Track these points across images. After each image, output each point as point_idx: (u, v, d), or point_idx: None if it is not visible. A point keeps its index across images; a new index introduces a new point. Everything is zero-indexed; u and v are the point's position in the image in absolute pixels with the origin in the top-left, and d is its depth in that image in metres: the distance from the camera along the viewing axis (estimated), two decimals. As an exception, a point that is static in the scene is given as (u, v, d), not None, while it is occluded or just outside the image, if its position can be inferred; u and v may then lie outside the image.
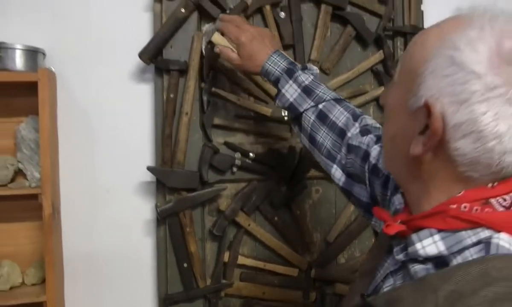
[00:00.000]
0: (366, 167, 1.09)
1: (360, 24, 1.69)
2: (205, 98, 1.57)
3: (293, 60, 1.31)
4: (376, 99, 1.73)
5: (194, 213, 1.57)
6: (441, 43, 0.68)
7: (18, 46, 1.41)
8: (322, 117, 1.22)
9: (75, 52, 1.55)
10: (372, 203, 1.09)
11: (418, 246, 0.72)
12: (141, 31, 1.58)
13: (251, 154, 1.59)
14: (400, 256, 0.76)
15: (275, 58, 1.29)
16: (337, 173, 1.20)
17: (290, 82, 1.26)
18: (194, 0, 1.52)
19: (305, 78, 1.25)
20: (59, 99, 1.55)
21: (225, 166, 1.58)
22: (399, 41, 1.74)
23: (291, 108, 1.27)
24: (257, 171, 1.61)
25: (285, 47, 1.63)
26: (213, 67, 1.57)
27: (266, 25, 1.62)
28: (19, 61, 1.41)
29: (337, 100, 1.24)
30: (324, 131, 1.21)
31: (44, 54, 1.49)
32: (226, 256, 1.60)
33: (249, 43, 1.31)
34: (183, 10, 1.52)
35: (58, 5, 1.53)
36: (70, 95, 1.55)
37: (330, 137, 1.20)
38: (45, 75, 1.39)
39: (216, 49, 1.40)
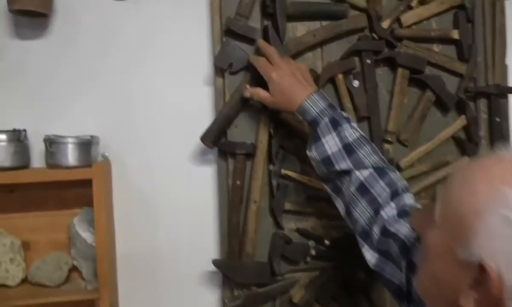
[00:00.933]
0: (404, 263, 1.01)
1: (441, 87, 1.48)
2: (274, 182, 1.37)
3: (332, 102, 1.20)
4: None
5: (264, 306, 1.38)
6: (493, 197, 0.66)
7: (70, 140, 1.23)
8: (363, 190, 1.13)
9: (131, 135, 1.37)
10: (404, 290, 1.02)
11: None
12: (201, 108, 1.39)
13: (326, 241, 1.39)
14: None
15: (315, 98, 1.19)
16: (367, 254, 1.12)
17: (334, 134, 1.16)
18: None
19: (350, 134, 1.16)
20: (116, 186, 1.37)
21: (298, 257, 1.38)
22: (482, 103, 1.52)
23: (326, 161, 1.17)
24: (332, 257, 1.42)
25: (359, 119, 1.43)
26: (282, 147, 1.38)
27: (338, 96, 1.42)
28: (71, 155, 1.24)
29: (380, 171, 1.14)
30: (362, 206, 1.12)
31: (98, 141, 1.31)
32: (301, 353, 1.41)
33: (280, 80, 1.22)
34: (248, 86, 1.33)
35: (115, 86, 1.36)
36: (127, 180, 1.37)
37: (367, 212, 1.11)
38: (100, 171, 1.21)
39: (246, 93, 1.28)
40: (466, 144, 1.50)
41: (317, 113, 1.17)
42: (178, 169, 1.39)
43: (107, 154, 1.34)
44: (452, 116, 1.52)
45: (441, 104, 1.50)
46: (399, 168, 1.46)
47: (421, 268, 0.81)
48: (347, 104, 1.41)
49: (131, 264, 1.38)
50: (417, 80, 1.48)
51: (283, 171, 1.38)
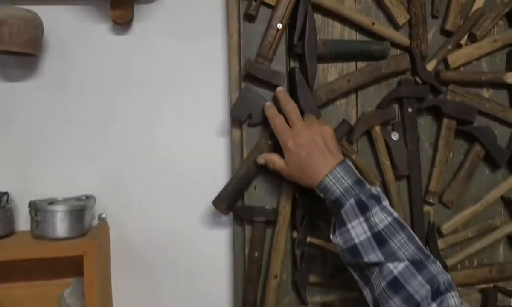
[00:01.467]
0: None
1: (491, 141, 1.26)
2: (298, 252, 1.16)
3: (360, 177, 0.98)
4: (509, 236, 1.30)
5: None
6: None
7: (59, 208, 1.02)
8: (396, 286, 0.91)
9: (133, 193, 1.16)
10: None
11: None
12: (215, 162, 1.18)
13: (356, 318, 1.19)
14: None
15: (339, 173, 0.97)
16: None
17: (361, 219, 0.94)
18: (284, 125, 1.11)
19: (381, 219, 0.93)
20: (113, 250, 1.16)
21: (322, 338, 1.18)
22: (539, 159, 1.30)
23: (352, 250, 0.95)
24: (362, 336, 1.21)
25: (398, 178, 1.21)
26: (308, 212, 1.16)
27: (374, 151, 1.20)
28: (60, 226, 1.02)
29: (417, 264, 0.92)
30: (394, 304, 0.90)
31: (93, 202, 1.10)
32: None
33: (297, 150, 1.00)
34: (270, 142, 1.11)
35: (114, 136, 1.15)
36: (127, 245, 1.16)
37: None
38: (93, 247, 1.00)
39: (260, 160, 1.08)
40: (517, 206, 1.29)
41: (341, 192, 0.96)
42: (186, 233, 1.18)
43: (104, 215, 1.13)
44: (502, 173, 1.31)
45: (490, 160, 1.28)
46: (440, 233, 1.25)
47: None
48: (385, 161, 1.19)
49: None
50: (464, 132, 1.26)
51: (309, 239, 1.17)
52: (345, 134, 1.18)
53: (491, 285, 1.27)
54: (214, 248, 1.19)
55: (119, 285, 1.16)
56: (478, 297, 1.26)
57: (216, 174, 1.17)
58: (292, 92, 1.14)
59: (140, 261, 1.17)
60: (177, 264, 1.18)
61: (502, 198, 1.30)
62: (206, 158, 1.17)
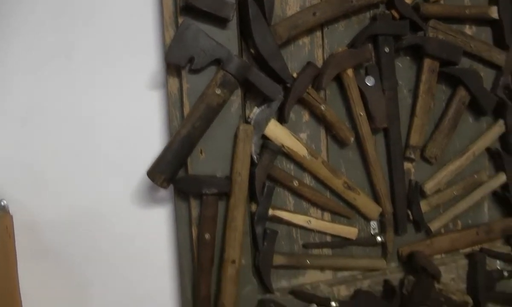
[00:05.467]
0: None
1: (478, 85, 0.96)
2: (259, 228, 0.83)
3: None
4: (494, 192, 1.02)
5: None
6: None
7: None
8: None
9: (43, 168, 0.78)
10: None
11: None
12: (147, 124, 0.82)
13: (333, 303, 0.87)
14: None
15: None
16: None
17: None
18: (235, 71, 0.76)
19: None
20: (18, 242, 0.78)
21: (293, 331, 0.86)
22: (526, 105, 1.01)
23: None
24: (340, 324, 0.90)
25: (374, 131, 0.90)
26: (269, 177, 0.83)
27: (347, 101, 0.88)
28: None
29: None
30: None
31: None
32: None
33: None
34: (218, 91, 0.76)
35: (18, 95, 0.76)
36: (32, 232, 0.79)
37: None
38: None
39: None
40: (503, 157, 1.00)
41: None
42: (115, 214, 0.81)
43: (4, 203, 0.76)
44: (486, 121, 1.01)
45: (474, 107, 0.98)
46: (423, 194, 0.95)
47: None
48: (360, 111, 0.87)
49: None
50: (447, 76, 0.95)
51: (272, 212, 0.84)
52: (311, 79, 0.84)
53: (477, 248, 0.99)
54: (151, 232, 0.83)
55: (29, 276, 0.79)
56: (465, 263, 0.98)
57: (150, 138, 0.81)
58: (245, 29, 0.79)
59: (53, 249, 0.79)
60: (104, 253, 0.82)
61: (487, 149, 1.01)
62: (137, 118, 0.81)
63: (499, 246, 1.03)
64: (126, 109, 0.80)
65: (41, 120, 0.77)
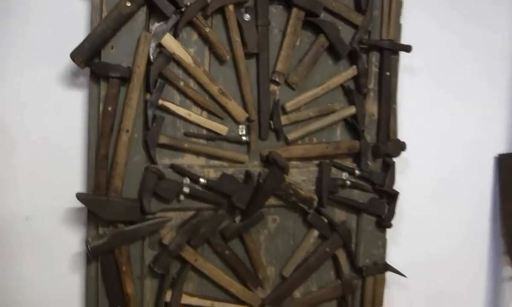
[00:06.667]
0: None
1: (335, 34, 1.43)
2: (150, 112, 1.27)
3: None
4: (345, 120, 1.49)
5: (132, 246, 1.28)
6: None
7: None
8: None
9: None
10: None
11: None
12: (75, 24, 1.24)
13: (201, 180, 1.31)
14: None
15: None
16: None
17: None
18: (142, -9, 1.21)
19: None
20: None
21: (171, 194, 1.29)
22: (375, 57, 1.49)
23: None
24: (207, 199, 1.34)
25: (248, 55, 1.35)
26: (161, 75, 1.27)
27: (227, 28, 1.33)
28: None
29: None
30: None
31: None
32: (168, 296, 1.33)
33: None
34: (128, 4, 1.20)
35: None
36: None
37: None
38: None
39: None
40: (354, 94, 1.47)
41: None
42: (45, 90, 1.24)
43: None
44: (344, 65, 1.49)
45: (333, 52, 1.45)
46: (284, 110, 1.41)
47: None
48: (236, 38, 1.32)
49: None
50: (312, 24, 1.42)
51: (161, 102, 1.28)
52: (200, 8, 1.28)
53: (327, 160, 1.46)
54: (70, 107, 1.26)
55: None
56: (315, 170, 1.45)
57: (75, 35, 1.22)
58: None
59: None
60: (32, 123, 1.24)
61: (342, 87, 1.48)
62: (66, 19, 1.24)
63: (348, 163, 1.50)
64: (57, 14, 1.22)
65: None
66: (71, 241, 1.29)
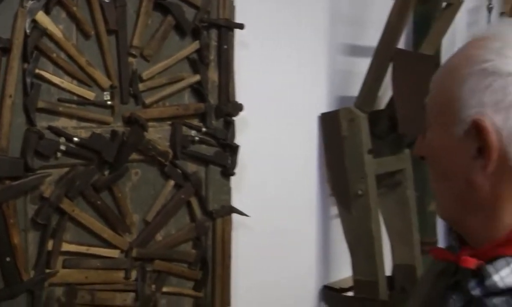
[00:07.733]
0: None
1: (180, 14, 1.91)
2: (28, 80, 1.61)
3: None
4: (191, 86, 1.99)
5: (16, 202, 1.62)
6: (469, 63, 0.72)
7: None
8: None
9: None
10: None
11: (496, 278, 0.69)
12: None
13: (75, 139, 1.70)
14: (477, 291, 0.71)
15: None
16: None
17: None
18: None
19: None
20: None
21: (50, 152, 1.65)
22: (214, 33, 2.01)
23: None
24: (80, 155, 1.73)
25: (109, 32, 1.77)
26: (36, 48, 1.64)
27: (91, 9, 1.74)
28: None
29: None
30: None
31: None
32: (49, 245, 1.68)
33: None
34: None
35: None
36: None
37: None
38: None
39: None
40: (198, 64, 1.98)
41: None
42: None
43: None
44: (188, 40, 1.98)
45: (180, 29, 1.93)
46: (141, 79, 1.86)
47: (433, 184, 0.82)
48: (98, 15, 1.74)
49: None
50: (161, 6, 1.88)
51: (37, 71, 1.64)
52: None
53: (178, 120, 1.95)
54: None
55: None
56: (169, 128, 1.92)
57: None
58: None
59: None
60: None
61: (188, 58, 1.98)
62: None
63: (196, 123, 2.01)
64: None
65: None
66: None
